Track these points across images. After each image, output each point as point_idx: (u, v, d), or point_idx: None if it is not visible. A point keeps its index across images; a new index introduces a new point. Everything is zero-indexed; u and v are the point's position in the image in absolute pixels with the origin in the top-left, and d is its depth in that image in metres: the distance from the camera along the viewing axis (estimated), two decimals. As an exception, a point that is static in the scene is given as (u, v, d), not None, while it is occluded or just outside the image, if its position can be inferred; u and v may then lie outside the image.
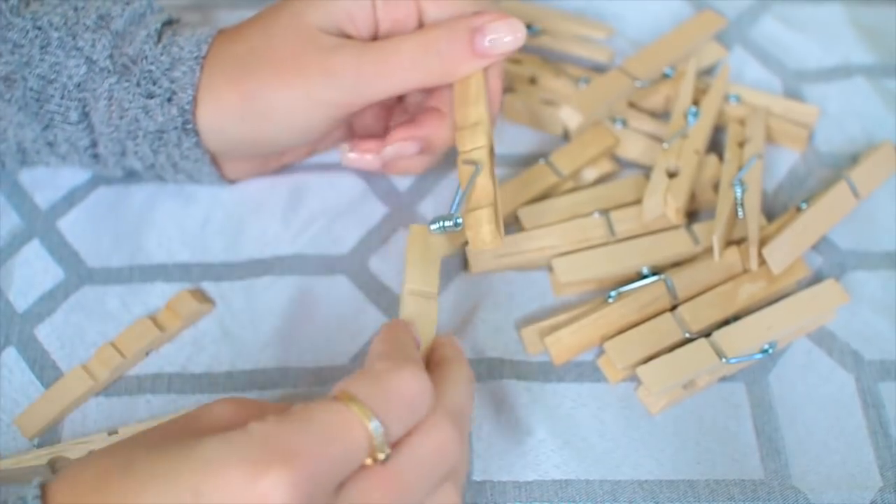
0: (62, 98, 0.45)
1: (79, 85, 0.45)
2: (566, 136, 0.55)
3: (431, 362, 0.39)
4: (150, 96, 0.45)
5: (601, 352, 0.46)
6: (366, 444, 0.32)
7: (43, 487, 0.32)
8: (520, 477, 0.43)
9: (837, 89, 0.57)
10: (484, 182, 0.42)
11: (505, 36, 0.44)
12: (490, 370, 0.46)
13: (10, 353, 0.47)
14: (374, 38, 0.46)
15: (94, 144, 0.47)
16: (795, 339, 0.47)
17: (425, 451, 0.34)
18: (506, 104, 0.55)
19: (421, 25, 0.46)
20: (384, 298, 0.49)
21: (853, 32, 0.60)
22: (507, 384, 0.46)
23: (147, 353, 0.47)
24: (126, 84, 0.45)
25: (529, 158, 0.53)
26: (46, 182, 0.52)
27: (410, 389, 0.34)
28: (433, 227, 0.42)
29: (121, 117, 0.46)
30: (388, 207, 0.52)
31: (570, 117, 0.52)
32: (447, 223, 0.41)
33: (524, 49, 0.57)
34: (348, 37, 0.46)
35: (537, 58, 0.57)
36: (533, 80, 0.55)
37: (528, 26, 0.57)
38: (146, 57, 0.45)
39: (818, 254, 0.50)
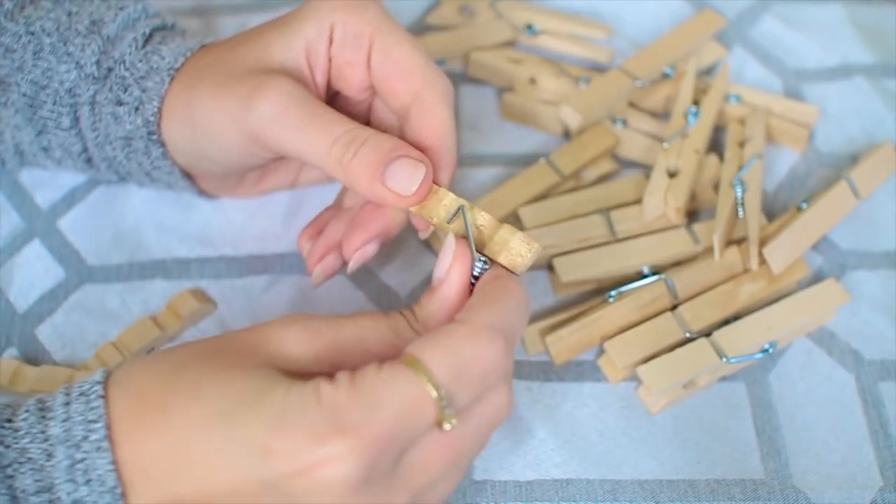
0: (54, 104, 0.45)
1: (69, 90, 0.45)
2: (566, 136, 0.55)
3: (489, 276, 0.38)
4: (120, 103, 0.45)
5: (601, 351, 0.46)
6: (433, 418, 0.32)
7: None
8: (520, 476, 0.43)
9: (837, 89, 0.57)
10: (476, 214, 0.39)
11: (400, 183, 0.39)
12: (490, 370, 0.46)
13: (12, 353, 0.47)
14: (328, 77, 0.44)
15: (86, 150, 0.47)
16: (796, 339, 0.47)
17: (486, 418, 0.34)
18: (505, 104, 0.55)
19: (369, 69, 0.43)
20: (384, 298, 0.49)
21: (853, 32, 0.60)
22: (508, 384, 0.46)
23: (148, 353, 0.47)
24: (104, 90, 0.45)
25: (529, 158, 0.54)
26: (47, 181, 0.52)
27: (486, 363, 0.33)
28: (475, 277, 0.38)
29: (100, 121, 0.45)
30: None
31: (570, 117, 0.52)
32: (480, 267, 0.38)
33: (524, 49, 0.58)
34: (303, 77, 0.43)
35: (537, 58, 0.57)
36: (533, 80, 0.55)
37: (528, 26, 0.57)
38: (124, 62, 0.45)
39: (818, 253, 0.50)
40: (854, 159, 0.54)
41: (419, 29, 0.59)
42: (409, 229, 0.51)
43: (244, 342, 0.35)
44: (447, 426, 0.33)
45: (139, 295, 0.48)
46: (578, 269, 0.47)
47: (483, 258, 0.37)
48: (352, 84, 0.44)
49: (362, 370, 0.33)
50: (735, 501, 0.43)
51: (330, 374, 0.33)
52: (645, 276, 0.48)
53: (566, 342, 0.46)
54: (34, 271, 0.49)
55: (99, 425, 0.33)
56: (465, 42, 0.57)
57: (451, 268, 0.37)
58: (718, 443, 0.44)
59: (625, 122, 0.54)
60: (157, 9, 0.48)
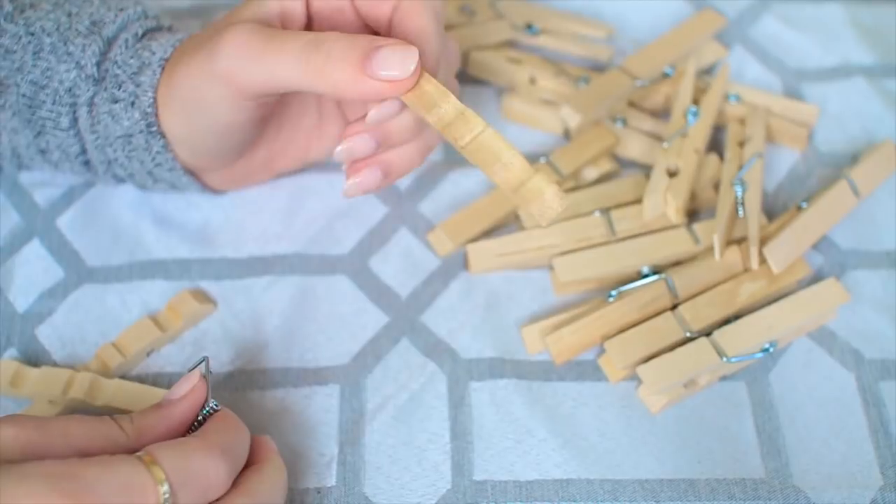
0: (53, 104, 0.45)
1: (69, 90, 0.45)
2: (566, 136, 0.55)
3: (251, 457, 0.40)
4: (115, 101, 0.45)
5: (602, 351, 0.46)
6: (151, 489, 0.33)
7: None
8: (520, 476, 0.43)
9: (837, 89, 0.57)
10: (501, 144, 0.40)
11: (394, 67, 0.40)
12: (491, 370, 0.46)
13: (12, 354, 0.46)
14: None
15: (84, 151, 0.47)
16: (796, 338, 0.47)
17: None
18: (505, 104, 0.55)
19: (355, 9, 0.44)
20: (385, 298, 0.49)
21: (853, 32, 0.60)
22: (508, 383, 0.46)
23: (148, 354, 0.47)
24: (101, 91, 0.45)
25: (529, 158, 0.53)
26: (46, 180, 0.52)
27: (213, 477, 0.36)
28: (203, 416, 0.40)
29: (98, 122, 0.45)
30: (388, 207, 0.52)
31: (570, 117, 0.52)
32: (210, 407, 0.40)
33: (524, 49, 0.58)
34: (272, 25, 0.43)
35: (537, 57, 0.57)
36: (532, 80, 0.55)
37: (528, 26, 0.57)
38: (117, 61, 0.45)
39: (819, 253, 0.50)
40: (854, 159, 0.54)
41: (419, 29, 0.59)
42: (409, 229, 0.51)
43: None
44: None
45: (139, 295, 0.48)
46: (579, 269, 0.47)
47: (215, 402, 0.40)
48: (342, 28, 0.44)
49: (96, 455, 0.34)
50: (735, 501, 0.43)
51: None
52: (645, 276, 0.48)
53: (567, 342, 0.46)
54: (34, 271, 0.49)
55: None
56: (465, 41, 0.57)
57: (185, 396, 0.39)
58: (719, 442, 0.44)
59: (625, 122, 0.54)
60: (155, 11, 0.48)
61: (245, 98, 0.42)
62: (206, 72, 0.42)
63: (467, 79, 0.57)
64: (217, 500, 0.36)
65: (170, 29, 0.48)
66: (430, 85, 0.40)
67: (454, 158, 0.54)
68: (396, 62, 0.40)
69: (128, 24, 0.46)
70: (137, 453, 0.35)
